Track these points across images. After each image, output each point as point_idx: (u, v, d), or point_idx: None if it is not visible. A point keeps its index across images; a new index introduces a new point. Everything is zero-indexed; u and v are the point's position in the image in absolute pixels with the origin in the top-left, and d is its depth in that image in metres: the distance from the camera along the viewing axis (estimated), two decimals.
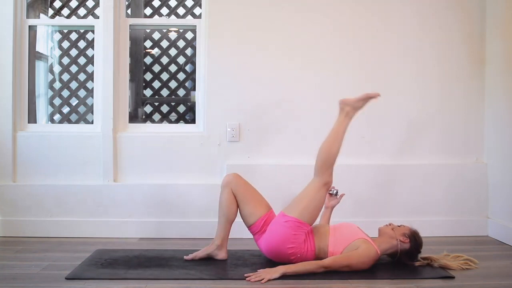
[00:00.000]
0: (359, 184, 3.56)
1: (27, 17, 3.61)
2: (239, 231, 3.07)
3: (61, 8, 3.90)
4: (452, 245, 3.25)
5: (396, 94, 3.62)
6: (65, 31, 3.88)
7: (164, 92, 4.06)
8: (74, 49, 3.87)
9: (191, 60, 4.00)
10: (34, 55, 3.73)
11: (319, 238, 2.75)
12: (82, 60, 3.87)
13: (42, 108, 3.87)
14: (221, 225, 2.88)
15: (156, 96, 4.07)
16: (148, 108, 4.10)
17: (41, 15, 3.87)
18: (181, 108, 4.07)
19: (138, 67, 4.07)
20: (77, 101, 3.88)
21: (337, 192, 3.08)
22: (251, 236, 2.92)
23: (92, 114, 3.68)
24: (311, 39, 3.59)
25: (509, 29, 3.39)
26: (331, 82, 3.61)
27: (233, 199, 2.86)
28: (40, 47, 3.84)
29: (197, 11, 3.91)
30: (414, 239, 2.76)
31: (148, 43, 4.11)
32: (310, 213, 2.75)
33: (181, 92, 4.06)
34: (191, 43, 3.98)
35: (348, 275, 2.59)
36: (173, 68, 4.05)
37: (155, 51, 4.08)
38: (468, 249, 3.14)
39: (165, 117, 4.04)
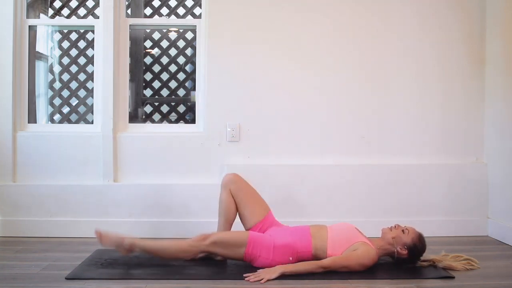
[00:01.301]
0: (359, 184, 3.56)
1: (27, 17, 3.61)
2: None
3: (61, 8, 3.90)
4: (452, 245, 3.25)
5: (396, 94, 3.62)
6: (65, 31, 3.89)
7: (164, 92, 4.06)
8: (74, 49, 3.87)
9: (191, 60, 4.00)
10: (34, 55, 3.73)
11: (317, 239, 2.73)
12: (82, 60, 3.87)
13: (42, 108, 3.87)
14: (221, 225, 2.88)
15: (156, 96, 4.07)
16: (148, 108, 4.10)
17: (41, 15, 3.87)
18: (181, 108, 4.07)
19: (138, 67, 4.07)
20: (77, 101, 3.88)
21: None
22: None
23: (92, 114, 3.68)
24: (311, 39, 3.59)
25: (509, 29, 3.39)
26: (331, 82, 3.61)
27: (232, 200, 2.87)
28: (40, 47, 3.84)
29: (197, 11, 3.91)
30: (413, 251, 2.72)
31: (148, 43, 4.11)
32: (235, 242, 2.68)
33: (181, 92, 4.06)
34: (191, 43, 3.98)
35: (348, 275, 2.59)
36: (173, 68, 4.05)
37: (155, 51, 4.08)
38: (468, 249, 3.14)
39: (165, 117, 4.04)
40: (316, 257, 2.72)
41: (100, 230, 2.74)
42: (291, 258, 2.68)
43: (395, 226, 2.79)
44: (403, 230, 2.75)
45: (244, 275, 2.57)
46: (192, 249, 2.70)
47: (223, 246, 2.69)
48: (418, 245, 2.73)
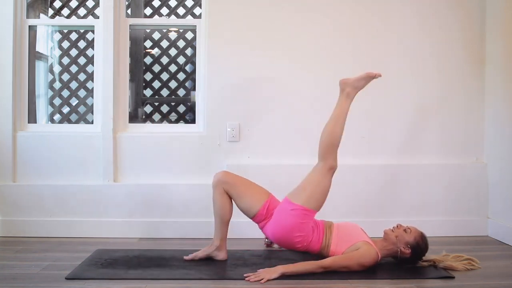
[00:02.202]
0: (359, 184, 3.56)
1: (27, 17, 3.61)
2: (239, 231, 3.07)
3: (61, 8, 3.90)
4: (452, 245, 3.25)
5: (396, 94, 3.62)
6: (65, 31, 3.89)
7: (164, 92, 4.06)
8: (74, 49, 3.87)
9: (191, 60, 4.00)
10: (34, 55, 3.72)
11: (326, 235, 2.76)
12: (82, 60, 3.87)
13: (42, 108, 3.87)
14: (217, 226, 2.87)
15: (156, 96, 4.07)
16: (148, 108, 4.10)
17: (41, 15, 3.87)
18: (181, 108, 4.07)
19: (138, 67, 4.07)
20: (77, 101, 3.88)
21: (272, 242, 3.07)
22: (251, 236, 2.93)
23: (92, 114, 3.68)
24: (311, 39, 3.59)
25: (509, 29, 3.39)
26: (331, 82, 3.59)
27: (226, 198, 2.83)
28: (40, 47, 3.84)
29: (197, 11, 3.91)
30: (416, 249, 2.72)
31: (148, 43, 4.11)
32: (317, 199, 2.74)
33: (181, 92, 4.06)
34: (191, 43, 3.99)
35: (348, 275, 2.59)
36: (173, 68, 4.05)
37: (155, 51, 4.08)
38: (468, 249, 3.13)
39: (165, 117, 4.04)
40: (321, 252, 2.74)
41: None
42: (305, 244, 2.71)
43: (397, 226, 2.79)
44: (405, 230, 2.75)
45: (244, 275, 2.58)
46: (335, 154, 2.80)
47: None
48: (421, 244, 2.73)
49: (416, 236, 2.73)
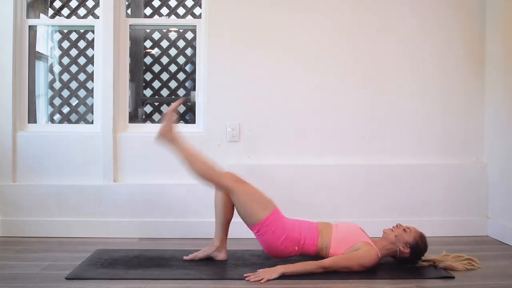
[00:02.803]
0: (359, 184, 3.56)
1: (27, 17, 3.61)
2: (239, 231, 3.06)
3: (61, 8, 3.91)
4: (452, 245, 3.25)
5: (396, 94, 3.62)
6: (65, 31, 3.89)
7: (164, 92, 4.06)
8: (74, 49, 3.88)
9: (191, 60, 4.00)
10: (34, 55, 3.72)
11: (323, 235, 2.74)
12: (82, 60, 3.87)
13: (42, 108, 3.87)
14: (218, 226, 2.87)
15: (156, 96, 4.07)
16: (148, 108, 4.10)
17: (41, 15, 3.87)
18: (181, 108, 4.07)
19: (138, 67, 4.07)
20: (77, 101, 3.88)
21: None
22: (251, 236, 2.92)
23: (92, 114, 3.68)
24: (311, 39, 3.59)
25: (509, 29, 3.39)
26: (331, 82, 3.61)
27: (228, 199, 2.82)
28: (40, 47, 3.84)
29: (197, 11, 3.91)
30: (415, 249, 2.72)
31: (148, 43, 4.11)
32: (260, 204, 2.72)
33: (181, 92, 4.06)
34: (191, 43, 3.99)
35: (348, 275, 2.59)
36: (173, 68, 4.06)
37: (155, 51, 4.08)
38: (468, 249, 3.13)
39: None
40: (319, 254, 2.73)
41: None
42: (296, 248, 2.71)
43: (396, 226, 2.79)
44: (404, 229, 2.75)
45: (244, 275, 2.58)
46: (214, 177, 2.77)
47: (247, 194, 2.73)
48: (420, 244, 2.73)
49: (415, 236, 2.73)
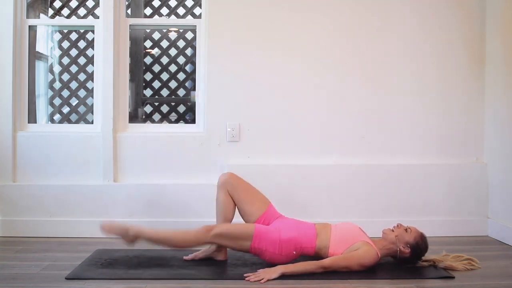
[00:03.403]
0: (359, 184, 3.56)
1: (27, 17, 3.61)
2: None
3: (61, 8, 3.90)
4: (452, 245, 3.25)
5: (396, 94, 3.62)
6: (65, 31, 3.89)
7: (164, 92, 4.06)
8: (74, 49, 3.87)
9: (191, 60, 4.00)
10: (34, 55, 3.72)
11: (321, 236, 2.74)
12: (82, 60, 3.87)
13: (42, 108, 3.87)
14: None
15: (156, 96, 4.07)
16: (148, 108, 4.10)
17: (41, 15, 3.87)
18: (181, 108, 4.07)
19: (138, 67, 4.07)
20: (77, 101, 3.88)
21: None
22: None
23: (92, 114, 3.68)
24: (311, 39, 3.59)
25: (509, 29, 3.39)
26: (331, 81, 3.61)
27: (230, 199, 2.85)
28: (40, 47, 3.84)
29: (197, 11, 3.91)
30: (415, 249, 2.72)
31: (148, 43, 4.11)
32: (240, 235, 2.69)
33: (181, 92, 4.06)
34: (191, 43, 3.99)
35: (348, 275, 2.59)
36: (173, 68, 4.05)
37: (155, 51, 4.08)
38: (468, 249, 3.13)
39: (165, 117, 4.04)
40: (318, 254, 2.73)
41: (105, 221, 2.80)
42: (294, 252, 2.70)
43: (397, 225, 2.79)
44: (405, 229, 2.75)
45: (244, 275, 2.58)
46: (197, 240, 2.73)
47: (228, 238, 2.70)
48: (420, 244, 2.73)
49: (416, 236, 2.73)
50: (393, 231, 2.77)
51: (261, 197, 2.92)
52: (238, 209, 2.89)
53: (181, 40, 4.02)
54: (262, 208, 2.87)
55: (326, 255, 2.71)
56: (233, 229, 2.74)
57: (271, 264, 2.68)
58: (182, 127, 3.78)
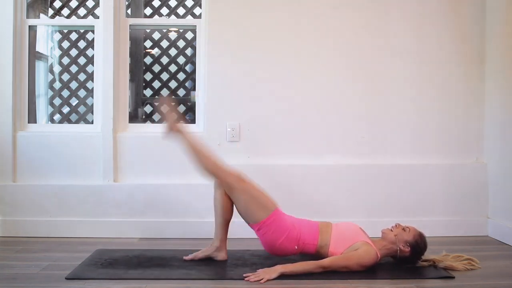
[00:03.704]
0: (358, 184, 3.56)
1: (27, 17, 3.61)
2: (239, 231, 3.06)
3: (61, 8, 3.90)
4: (452, 245, 3.25)
5: (396, 94, 3.62)
6: (65, 31, 3.88)
7: (164, 92, 4.05)
8: (74, 49, 3.87)
9: (191, 60, 4.00)
10: (34, 55, 3.72)
11: (323, 234, 2.75)
12: (82, 60, 3.87)
13: (42, 108, 3.87)
14: (217, 226, 2.87)
15: (156, 96, 4.07)
16: (148, 108, 4.10)
17: (41, 15, 3.87)
18: (181, 108, 4.07)
19: (138, 67, 4.07)
20: (77, 101, 3.88)
21: None
22: (251, 236, 2.92)
23: (92, 114, 3.68)
24: (312, 39, 3.59)
25: (509, 29, 3.39)
26: (331, 81, 3.61)
27: (227, 199, 2.83)
28: (40, 47, 3.84)
29: (197, 11, 3.91)
30: (415, 248, 2.72)
31: (148, 43, 4.11)
32: (261, 204, 2.74)
33: (181, 92, 4.06)
34: (191, 43, 3.98)
35: (348, 275, 2.59)
36: (173, 68, 4.05)
37: (155, 51, 4.08)
38: (468, 249, 3.13)
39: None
40: (318, 253, 2.73)
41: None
42: (296, 247, 2.72)
43: (395, 225, 2.79)
44: (404, 229, 2.75)
45: (244, 275, 2.58)
46: (220, 172, 2.80)
47: (250, 198, 2.74)
48: (420, 243, 2.73)
49: (415, 235, 2.73)
50: (392, 230, 2.77)
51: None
52: (236, 208, 2.86)
53: (181, 40, 4.02)
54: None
55: (326, 253, 2.71)
56: (260, 195, 2.78)
57: (271, 263, 2.68)
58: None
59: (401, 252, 2.72)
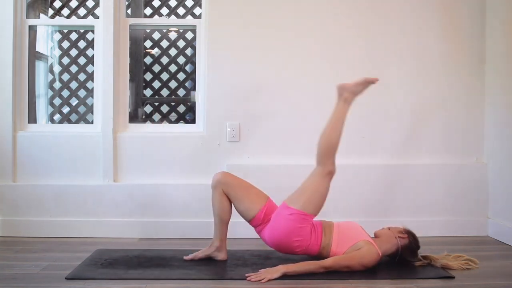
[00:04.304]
0: (359, 184, 3.56)
1: (27, 17, 3.61)
2: (239, 231, 3.07)
3: (61, 8, 3.91)
4: (452, 245, 3.25)
5: (396, 94, 3.62)
6: (65, 31, 3.89)
7: (164, 92, 4.06)
8: (74, 49, 3.88)
9: (191, 60, 4.00)
10: (34, 55, 3.73)
11: (325, 235, 2.74)
12: (82, 60, 3.88)
13: (42, 108, 3.87)
14: (217, 226, 2.87)
15: (156, 96, 4.07)
16: (148, 108, 4.11)
17: (41, 15, 3.87)
18: (181, 108, 4.07)
19: (138, 67, 4.07)
20: (77, 101, 3.88)
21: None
22: (251, 236, 2.92)
23: (92, 114, 3.68)
24: (311, 38, 3.59)
25: (509, 29, 3.39)
26: (331, 81, 3.60)
27: (225, 198, 2.83)
28: (40, 47, 3.84)
29: (197, 11, 3.91)
30: (411, 233, 2.79)
31: (148, 43, 4.11)
32: (315, 204, 2.73)
33: (181, 92, 4.06)
34: (191, 43, 3.99)
35: (348, 275, 2.59)
36: (173, 68, 4.06)
37: (155, 51, 4.09)
38: (468, 249, 3.13)
39: (165, 117, 4.05)
40: (321, 253, 2.73)
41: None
42: (298, 250, 2.71)
43: (384, 227, 2.87)
44: (389, 228, 2.84)
45: (246, 274, 2.57)
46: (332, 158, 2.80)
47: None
48: (412, 232, 2.79)
49: (403, 226, 2.82)
50: (383, 228, 2.85)
51: (258, 192, 2.87)
52: (235, 207, 2.85)
53: (181, 40, 4.02)
54: (260, 202, 2.81)
55: (328, 253, 2.71)
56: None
57: (271, 263, 2.68)
58: (182, 127, 3.79)
59: (401, 241, 2.73)
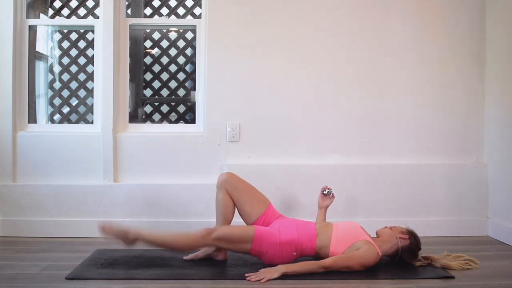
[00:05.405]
0: (359, 184, 3.56)
1: (27, 17, 3.61)
2: None
3: (61, 8, 3.91)
4: (452, 245, 3.25)
5: (395, 94, 3.62)
6: (65, 31, 3.89)
7: (164, 92, 4.06)
8: (74, 49, 3.88)
9: (191, 60, 4.00)
10: (34, 55, 3.72)
11: (321, 235, 2.74)
12: (82, 60, 3.87)
13: (42, 108, 3.87)
14: (219, 225, 2.87)
15: (156, 96, 4.07)
16: (148, 108, 4.11)
17: (41, 15, 3.87)
18: (181, 108, 4.07)
19: (138, 67, 4.07)
20: (77, 101, 3.88)
21: (330, 192, 3.05)
22: None
23: (92, 114, 3.68)
24: (312, 39, 3.59)
25: (509, 29, 3.39)
26: (331, 81, 3.61)
27: (229, 199, 2.85)
28: (40, 47, 3.84)
29: (197, 11, 3.91)
30: (413, 234, 2.78)
31: (148, 43, 4.11)
32: (235, 231, 2.70)
33: (181, 92, 4.06)
34: (191, 43, 3.99)
35: (348, 275, 2.59)
36: (173, 68, 4.06)
37: (155, 51, 4.09)
38: (468, 249, 3.14)
39: (165, 117, 4.05)
40: (318, 254, 2.73)
41: (104, 221, 2.77)
42: (295, 253, 2.70)
43: (384, 227, 2.87)
44: (390, 228, 2.83)
45: (246, 274, 2.58)
46: (197, 243, 2.70)
47: (228, 242, 2.68)
48: (414, 232, 2.79)
49: (405, 226, 2.81)
50: (384, 228, 2.85)
51: (261, 197, 2.92)
52: (237, 209, 2.89)
53: (181, 40, 4.02)
54: (262, 208, 2.87)
55: (327, 254, 2.70)
56: (233, 232, 2.71)
57: (271, 265, 2.68)
58: (182, 127, 3.78)
59: (402, 242, 2.73)
